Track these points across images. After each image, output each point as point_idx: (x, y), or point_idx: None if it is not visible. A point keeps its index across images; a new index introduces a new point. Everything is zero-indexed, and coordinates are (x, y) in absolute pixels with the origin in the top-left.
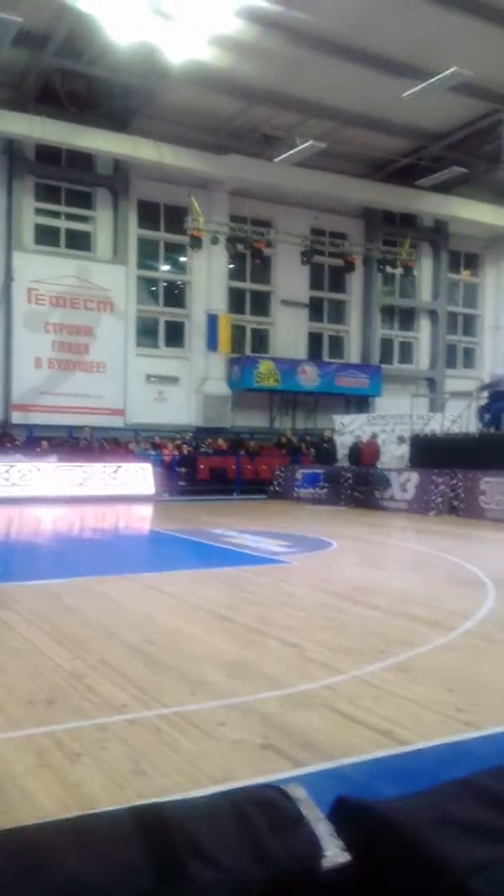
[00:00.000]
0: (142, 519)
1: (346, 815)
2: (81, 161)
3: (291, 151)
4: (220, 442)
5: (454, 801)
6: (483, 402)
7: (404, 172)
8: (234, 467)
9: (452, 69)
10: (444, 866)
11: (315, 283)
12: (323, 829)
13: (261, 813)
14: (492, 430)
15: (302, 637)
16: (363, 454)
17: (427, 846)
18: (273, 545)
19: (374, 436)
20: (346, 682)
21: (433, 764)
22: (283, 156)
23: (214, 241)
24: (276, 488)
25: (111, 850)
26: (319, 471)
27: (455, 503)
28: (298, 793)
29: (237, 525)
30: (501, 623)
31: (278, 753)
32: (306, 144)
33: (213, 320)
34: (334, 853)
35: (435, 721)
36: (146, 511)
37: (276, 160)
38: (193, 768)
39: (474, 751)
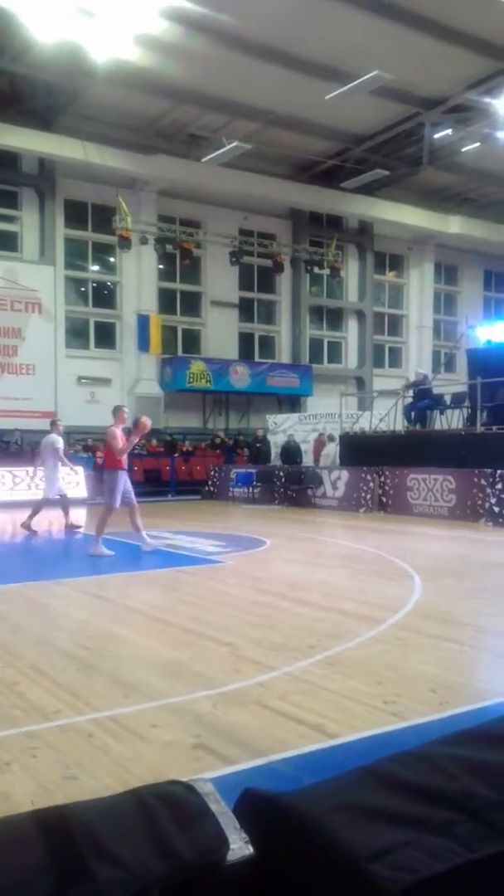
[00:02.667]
0: (75, 523)
1: (252, 807)
2: (6, 160)
3: (218, 152)
4: (154, 443)
5: (358, 787)
6: (409, 400)
7: (329, 174)
8: (168, 468)
9: (374, 73)
10: (344, 852)
11: (245, 283)
12: (228, 823)
13: (165, 808)
14: (417, 427)
15: (235, 636)
16: (313, 452)
17: (327, 833)
18: (207, 545)
19: (322, 434)
20: (278, 679)
21: (361, 756)
22: (210, 156)
23: (143, 242)
24: (211, 489)
25: (11, 854)
26: (253, 470)
27: (384, 500)
28: (205, 787)
29: (172, 526)
30: (427, 615)
31: (210, 752)
32: (232, 145)
33: (143, 321)
34: (239, 846)
35: (363, 713)
36: (80, 515)
37: (203, 160)
38: (124, 771)
39: (401, 741)
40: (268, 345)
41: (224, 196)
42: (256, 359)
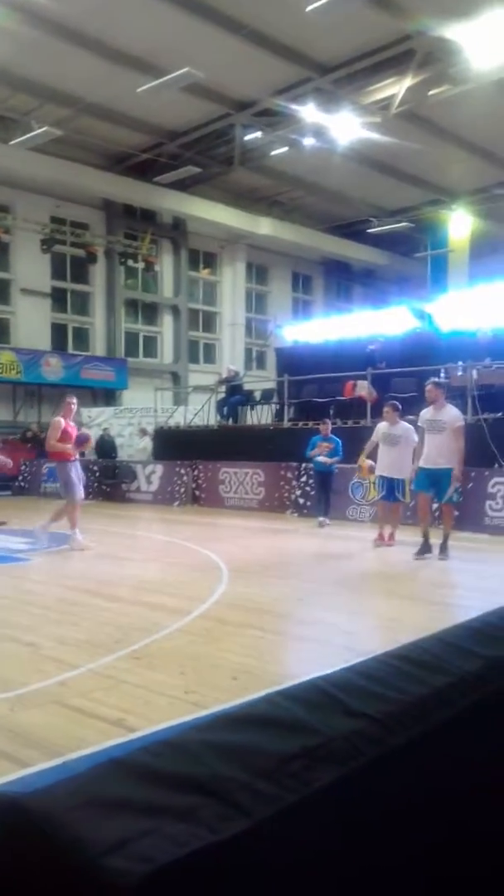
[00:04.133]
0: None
1: None
2: None
3: (27, 136)
4: None
5: (105, 780)
6: (222, 395)
7: (143, 167)
8: None
9: (185, 69)
10: (80, 848)
11: (57, 273)
12: None
13: None
14: (229, 422)
15: (38, 635)
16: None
17: (64, 831)
18: (13, 543)
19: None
20: (80, 676)
21: None
22: (19, 139)
23: None
24: (22, 484)
25: None
26: None
27: (197, 493)
28: None
29: None
30: (232, 604)
31: (3, 756)
32: (42, 130)
33: None
34: None
35: (164, 705)
36: None
37: (11, 143)
38: None
39: None
40: (82, 337)
41: (35, 181)
42: (70, 350)
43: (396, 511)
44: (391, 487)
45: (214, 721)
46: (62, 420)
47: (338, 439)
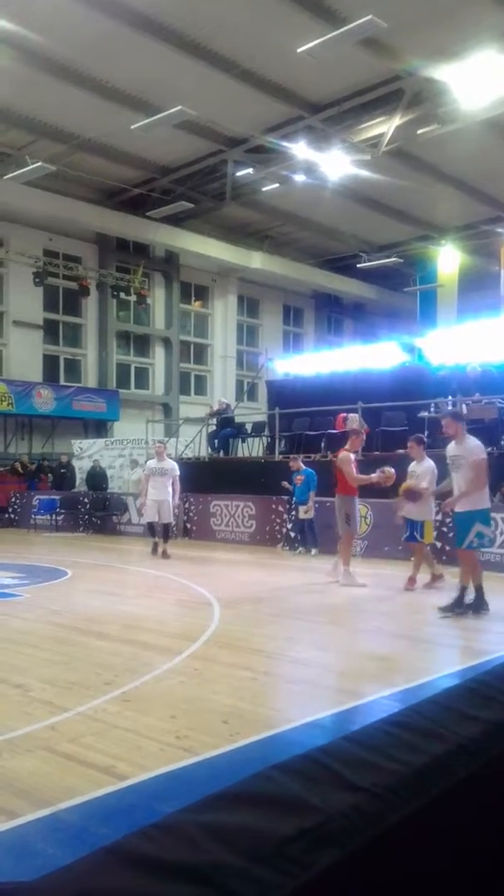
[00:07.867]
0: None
1: None
2: None
3: (21, 171)
4: None
5: (100, 871)
6: (213, 428)
7: (136, 202)
8: None
9: (178, 108)
10: None
11: (50, 305)
12: None
13: None
14: (220, 454)
15: (27, 676)
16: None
17: None
18: (2, 577)
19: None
20: (70, 720)
21: (149, 797)
22: (12, 174)
23: None
24: (11, 516)
25: None
26: (57, 497)
27: (188, 525)
28: None
29: None
30: (223, 643)
31: None
32: (36, 165)
33: None
34: None
35: (155, 751)
36: None
37: (5, 178)
38: None
39: (190, 778)
40: (74, 368)
41: (28, 215)
42: (62, 382)
43: (418, 552)
44: (411, 528)
45: (210, 800)
46: (351, 454)
47: (311, 471)
